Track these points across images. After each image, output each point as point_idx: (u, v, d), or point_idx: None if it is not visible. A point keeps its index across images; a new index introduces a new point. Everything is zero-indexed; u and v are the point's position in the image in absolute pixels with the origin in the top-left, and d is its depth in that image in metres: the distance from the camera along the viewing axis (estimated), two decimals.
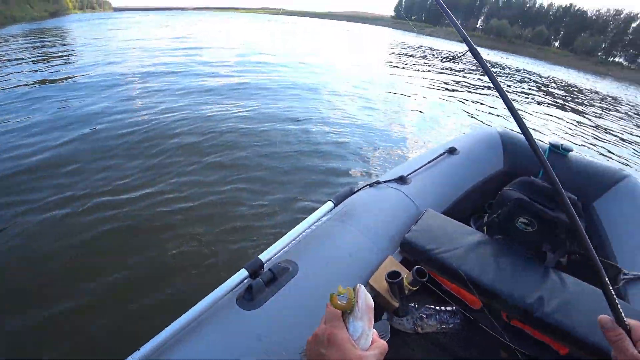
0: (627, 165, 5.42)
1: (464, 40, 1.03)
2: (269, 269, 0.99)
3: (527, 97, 10.32)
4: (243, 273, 0.96)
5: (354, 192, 1.41)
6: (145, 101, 4.60)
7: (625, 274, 1.30)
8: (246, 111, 4.62)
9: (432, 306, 1.40)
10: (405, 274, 1.07)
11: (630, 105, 14.98)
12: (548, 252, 1.24)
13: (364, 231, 1.20)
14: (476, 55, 1.07)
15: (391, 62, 12.96)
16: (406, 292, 1.07)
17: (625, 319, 0.52)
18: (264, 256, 1.02)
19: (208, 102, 4.79)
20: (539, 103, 9.64)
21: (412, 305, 1.39)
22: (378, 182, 1.47)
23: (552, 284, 1.12)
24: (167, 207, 2.53)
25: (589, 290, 1.12)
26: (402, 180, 1.49)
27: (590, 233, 1.61)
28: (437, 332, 1.39)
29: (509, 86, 11.94)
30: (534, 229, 1.29)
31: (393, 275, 1.01)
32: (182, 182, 2.85)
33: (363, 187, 1.46)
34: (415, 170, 1.57)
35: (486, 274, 1.12)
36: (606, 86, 23.21)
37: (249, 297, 0.92)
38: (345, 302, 0.46)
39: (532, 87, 13.33)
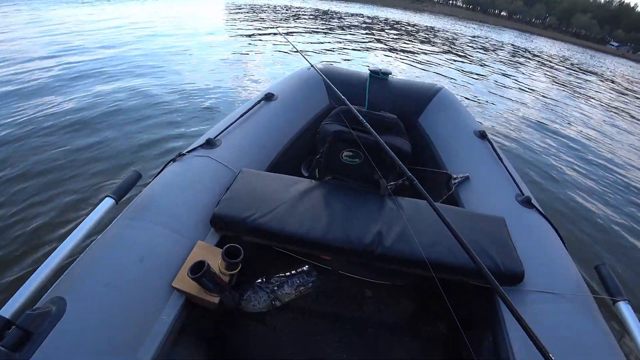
0: (444, 77, 6.28)
1: None
2: (16, 326, 0.66)
3: (355, 34, 10.95)
4: None
5: (156, 176, 1.11)
6: None
7: (455, 178, 1.36)
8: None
9: (281, 274, 1.25)
10: (219, 260, 0.84)
11: (444, 31, 17.76)
12: (380, 180, 1.17)
13: (163, 222, 0.93)
14: None
15: (221, 24, 11.92)
16: (226, 279, 0.86)
17: None
18: (8, 309, 0.69)
19: None
20: (364, 38, 10.30)
21: (259, 280, 1.21)
22: (181, 155, 1.19)
23: (389, 213, 1.06)
24: None
25: (424, 206, 1.09)
26: (209, 144, 1.24)
27: (421, 148, 1.66)
28: (297, 297, 1.27)
29: (342, 29, 12.49)
30: (361, 160, 1.20)
31: (196, 269, 0.78)
32: None
33: (167, 164, 1.17)
34: (225, 129, 1.33)
35: (317, 225, 0.98)
36: (424, 20, 26.69)
37: None
38: None
39: (361, 26, 14.33)
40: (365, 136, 1.20)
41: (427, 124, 1.74)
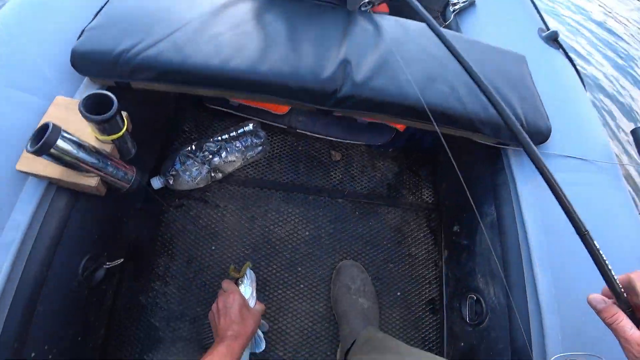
0: None
1: None
2: None
3: None
4: None
5: None
6: None
7: (454, 4, 0.98)
8: None
9: (217, 137, 0.93)
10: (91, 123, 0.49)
11: None
12: None
13: (2, 79, 0.55)
14: None
15: None
16: (108, 148, 0.53)
17: (616, 278, 0.35)
18: None
19: None
20: None
21: (188, 148, 0.90)
22: None
23: (361, 36, 0.68)
24: None
25: (415, 29, 0.73)
26: None
27: None
28: (244, 165, 0.98)
29: None
30: None
31: (38, 137, 0.43)
32: None
33: None
34: None
35: (243, 52, 0.60)
36: None
37: None
38: (237, 273, 0.65)
39: None
40: None
41: None
